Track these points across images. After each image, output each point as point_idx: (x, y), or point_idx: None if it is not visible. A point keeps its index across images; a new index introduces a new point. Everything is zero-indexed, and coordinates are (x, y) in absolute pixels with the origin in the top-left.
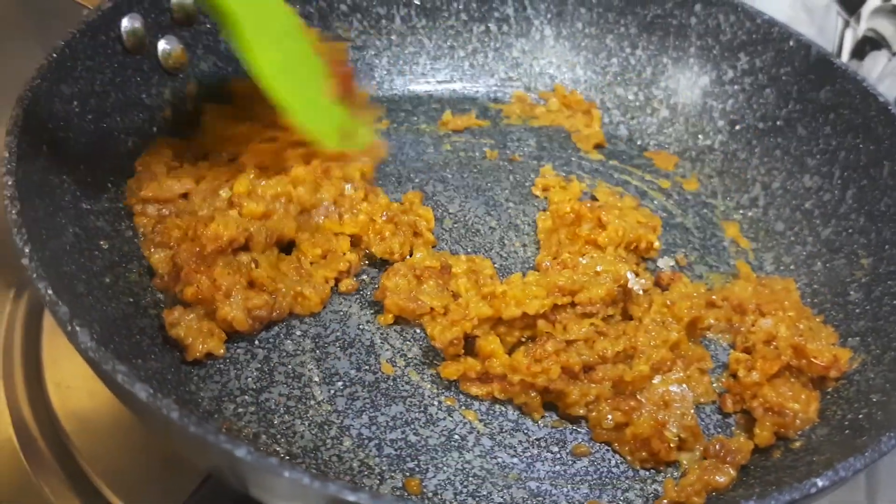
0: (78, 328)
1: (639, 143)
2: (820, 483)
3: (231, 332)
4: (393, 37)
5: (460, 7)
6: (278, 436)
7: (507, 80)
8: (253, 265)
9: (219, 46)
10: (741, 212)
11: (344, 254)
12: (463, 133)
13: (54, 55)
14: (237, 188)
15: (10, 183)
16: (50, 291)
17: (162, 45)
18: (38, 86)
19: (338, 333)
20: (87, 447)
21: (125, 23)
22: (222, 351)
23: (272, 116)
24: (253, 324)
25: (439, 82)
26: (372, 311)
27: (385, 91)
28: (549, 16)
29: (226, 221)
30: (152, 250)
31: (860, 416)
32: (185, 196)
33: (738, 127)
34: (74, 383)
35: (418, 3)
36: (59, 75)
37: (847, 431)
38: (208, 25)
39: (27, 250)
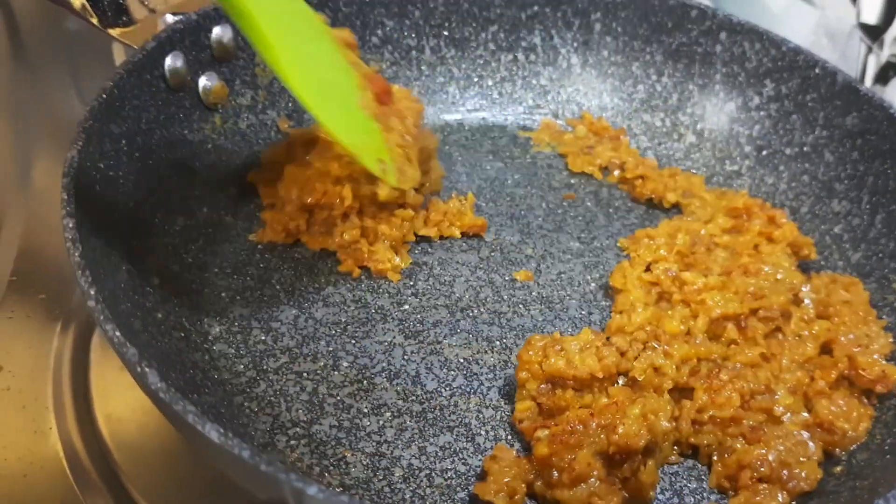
0: (147, 369)
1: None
2: None
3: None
4: (423, 67)
5: (488, 37)
6: (330, 467)
7: (536, 107)
8: None
9: (255, 80)
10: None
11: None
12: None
13: (104, 96)
14: None
15: (70, 226)
16: (118, 333)
17: (203, 81)
18: (90, 126)
19: (383, 364)
20: (138, 477)
21: (168, 61)
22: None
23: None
24: None
25: (469, 111)
26: (416, 342)
27: None
28: (575, 44)
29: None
30: None
31: None
32: None
33: (764, 152)
34: (123, 415)
35: (447, 33)
36: (108, 115)
37: (888, 456)
38: (244, 60)
39: (92, 292)
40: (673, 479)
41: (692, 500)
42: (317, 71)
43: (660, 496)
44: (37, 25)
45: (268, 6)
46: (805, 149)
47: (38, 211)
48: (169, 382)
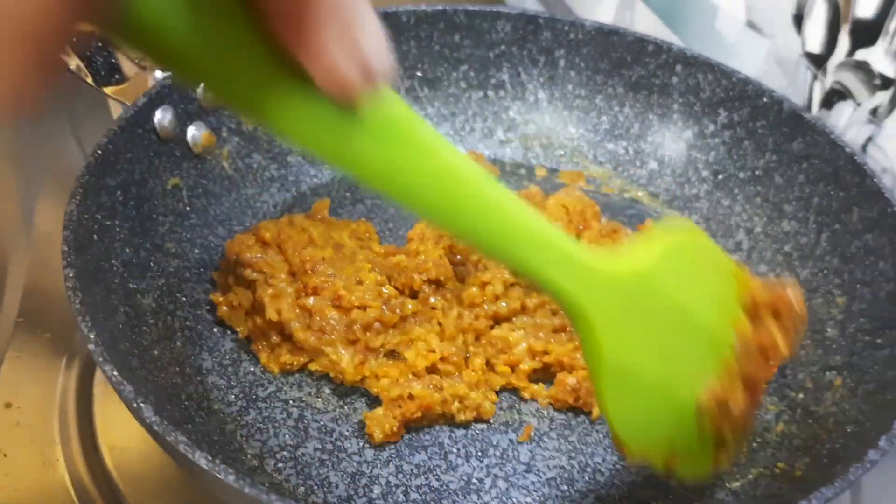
0: (143, 405)
1: (628, 195)
2: None
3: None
4: None
5: (459, 76)
6: (315, 487)
7: (507, 141)
8: None
9: (240, 126)
10: (727, 255)
11: None
12: None
13: (99, 152)
14: None
15: (71, 275)
16: (115, 373)
17: (191, 131)
18: (87, 181)
19: (362, 390)
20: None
21: (158, 115)
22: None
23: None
24: None
25: None
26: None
27: None
28: (541, 80)
29: None
30: None
31: (837, 445)
32: None
33: (720, 176)
34: (126, 445)
35: (420, 74)
36: (104, 169)
37: (825, 460)
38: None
39: (92, 336)
40: None
41: None
42: (645, 361)
43: None
44: None
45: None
46: (757, 172)
47: (42, 254)
48: (163, 416)
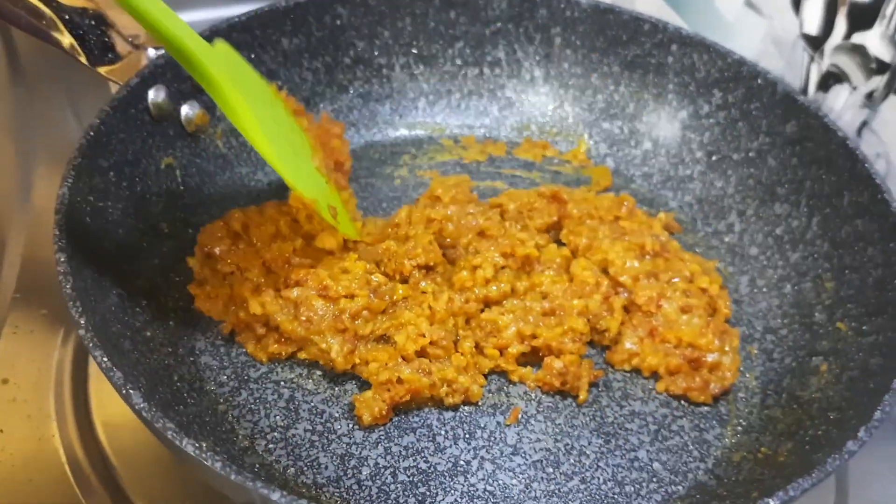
0: (132, 391)
1: (625, 174)
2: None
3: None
4: (394, 84)
5: (455, 53)
6: (305, 468)
7: (502, 118)
8: None
9: None
10: (719, 237)
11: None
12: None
13: (91, 133)
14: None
15: (62, 259)
16: (105, 359)
17: (184, 110)
18: (79, 164)
19: (352, 373)
20: (134, 479)
21: (151, 94)
22: None
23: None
24: None
25: (437, 124)
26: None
27: (388, 135)
28: (537, 58)
29: None
30: None
31: (819, 432)
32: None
33: (714, 158)
34: (120, 422)
35: (415, 51)
36: (97, 150)
37: (807, 447)
38: None
39: (83, 321)
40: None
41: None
42: (279, 133)
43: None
44: (34, 48)
45: (231, 75)
46: (751, 154)
47: (39, 230)
48: (153, 401)
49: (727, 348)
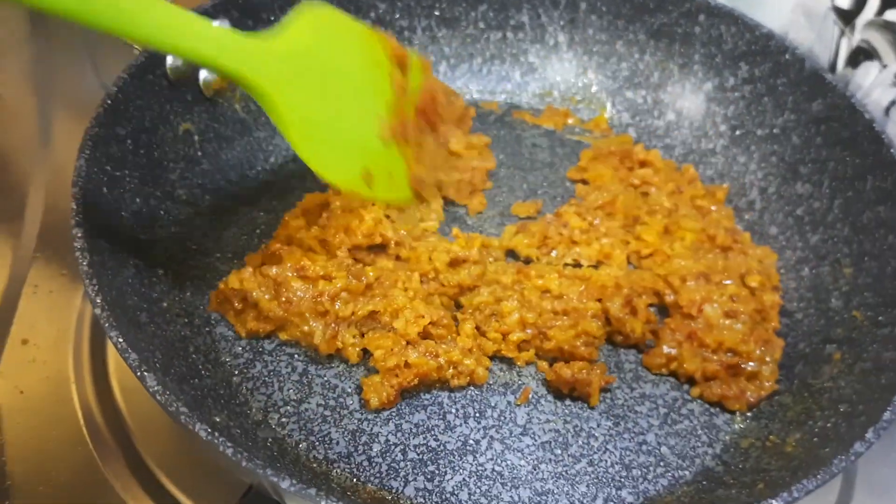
0: (147, 374)
1: (647, 144)
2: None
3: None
4: (415, 46)
5: (478, 16)
6: (317, 443)
7: (524, 84)
8: None
9: None
10: (739, 214)
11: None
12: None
13: (109, 101)
14: None
15: (79, 235)
16: (121, 340)
17: (203, 74)
18: (96, 133)
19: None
20: (149, 441)
21: (169, 59)
22: None
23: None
24: None
25: (458, 88)
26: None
27: None
28: (561, 23)
29: None
30: None
31: (829, 424)
32: None
33: (738, 132)
34: (137, 385)
35: (438, 13)
36: (114, 119)
37: (815, 439)
38: None
39: (99, 300)
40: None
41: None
42: (336, 105)
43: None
44: None
45: (284, 63)
46: (775, 131)
47: (59, 188)
48: (168, 380)
49: (768, 359)
